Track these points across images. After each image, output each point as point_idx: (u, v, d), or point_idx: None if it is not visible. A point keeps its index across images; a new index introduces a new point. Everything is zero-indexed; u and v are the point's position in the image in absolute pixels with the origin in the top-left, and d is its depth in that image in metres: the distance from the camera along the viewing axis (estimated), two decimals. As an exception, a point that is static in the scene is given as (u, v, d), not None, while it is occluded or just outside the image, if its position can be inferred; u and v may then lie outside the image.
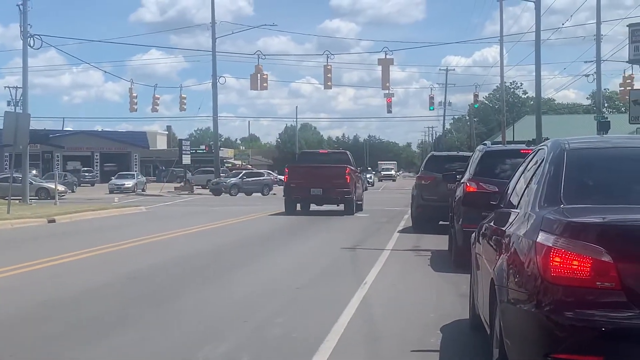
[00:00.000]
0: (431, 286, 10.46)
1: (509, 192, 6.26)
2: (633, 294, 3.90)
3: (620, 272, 3.91)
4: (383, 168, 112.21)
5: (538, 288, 4.08)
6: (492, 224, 5.99)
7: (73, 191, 52.47)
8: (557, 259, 4.02)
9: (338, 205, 27.74)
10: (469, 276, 7.73)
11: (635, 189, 4.82)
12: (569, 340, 3.92)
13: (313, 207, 28.56)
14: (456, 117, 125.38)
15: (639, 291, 3.89)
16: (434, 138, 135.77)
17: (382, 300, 9.37)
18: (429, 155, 24.07)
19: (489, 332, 5.44)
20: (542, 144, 5.87)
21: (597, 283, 3.93)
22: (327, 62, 43.94)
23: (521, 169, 6.24)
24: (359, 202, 28.72)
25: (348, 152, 30.59)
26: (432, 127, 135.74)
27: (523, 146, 12.95)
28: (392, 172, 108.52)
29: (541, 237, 4.18)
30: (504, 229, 5.21)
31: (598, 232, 4.02)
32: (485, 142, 15.24)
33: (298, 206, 27.92)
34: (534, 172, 5.34)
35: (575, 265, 3.97)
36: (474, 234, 7.24)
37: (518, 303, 4.29)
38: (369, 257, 13.65)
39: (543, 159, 5.26)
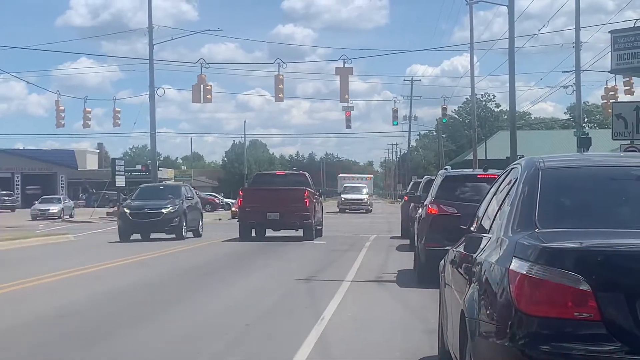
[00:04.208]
0: (396, 321, 10.54)
1: (479, 215, 6.37)
2: (613, 326, 3.99)
3: (599, 302, 4.00)
4: (346, 188, 70.45)
5: (512, 320, 4.16)
6: (461, 250, 6.08)
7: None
8: (532, 288, 4.12)
9: (296, 231, 28.15)
10: (437, 310, 7.81)
11: (616, 211, 4.92)
12: None
13: (269, 232, 28.98)
14: (423, 132, 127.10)
15: (619, 322, 3.99)
16: (399, 156, 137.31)
17: (341, 337, 9.42)
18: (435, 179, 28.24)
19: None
20: (515, 163, 5.99)
21: (575, 314, 4.02)
22: (279, 71, 43.99)
23: (493, 190, 6.35)
24: (318, 227, 29.32)
25: (307, 174, 31.28)
26: (396, 144, 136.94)
27: (481, 171, 14.91)
28: (364, 194, 67.17)
29: (514, 265, 4.27)
30: (474, 255, 5.30)
31: (576, 258, 4.11)
32: (446, 167, 18.99)
33: (253, 232, 28.47)
34: (507, 194, 5.44)
35: (552, 294, 4.07)
36: (442, 261, 7.37)
37: (490, 336, 4.38)
38: (328, 289, 13.71)
39: (516, 179, 5.35)
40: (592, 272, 4.04)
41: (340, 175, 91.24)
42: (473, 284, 5.00)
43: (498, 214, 5.40)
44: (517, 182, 5.27)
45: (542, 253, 4.18)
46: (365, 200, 65.46)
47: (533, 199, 4.91)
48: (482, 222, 6.07)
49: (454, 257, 6.37)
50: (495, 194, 6.11)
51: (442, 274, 7.17)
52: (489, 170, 13.42)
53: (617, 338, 3.98)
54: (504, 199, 5.45)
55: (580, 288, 4.02)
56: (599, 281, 4.03)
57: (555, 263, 4.10)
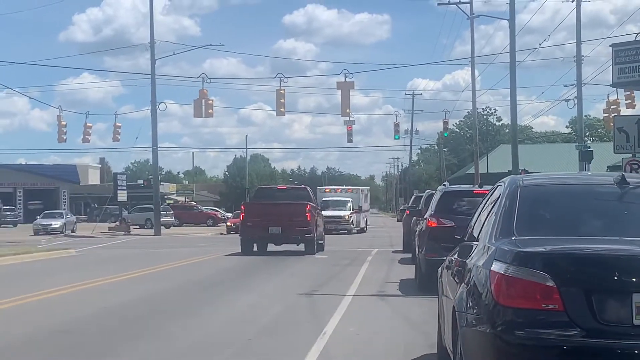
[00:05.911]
0: (398, 336, 10.56)
1: (472, 225, 7.20)
2: (574, 315, 4.93)
3: (562, 296, 4.95)
4: (326, 202, 50.11)
5: (492, 311, 5.10)
6: (455, 256, 6.88)
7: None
8: (508, 285, 5.05)
9: (298, 245, 28.19)
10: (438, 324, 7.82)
11: (581, 222, 5.91)
12: (520, 358, 4.93)
13: (271, 247, 29.01)
14: (424, 146, 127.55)
15: (579, 312, 4.92)
16: (400, 170, 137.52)
17: (343, 352, 9.45)
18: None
19: (452, 359, 6.26)
20: (500, 181, 6.96)
21: (543, 305, 4.95)
22: (280, 85, 44.06)
23: (483, 203, 7.26)
24: (320, 242, 29.35)
25: (308, 188, 31.27)
26: (398, 158, 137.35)
27: (477, 187, 16.61)
28: (346, 209, 51.48)
29: (495, 266, 5.23)
30: (465, 260, 6.16)
31: (543, 260, 5.08)
32: (444, 182, 21.07)
33: (255, 246, 28.43)
34: (492, 207, 6.42)
35: (524, 289, 5.00)
36: (439, 268, 8.06)
37: (475, 325, 5.31)
38: (329, 303, 13.71)
39: (500, 195, 6.35)
40: (557, 271, 4.99)
41: (319, 187, 63.79)
42: (463, 284, 5.90)
43: (485, 224, 6.32)
44: (500, 197, 6.26)
45: (516, 256, 5.14)
46: (346, 217, 50.20)
47: (512, 211, 5.90)
48: (472, 232, 6.94)
49: (449, 263, 7.23)
50: (484, 207, 7.02)
51: (440, 279, 7.94)
52: (484, 186, 14.71)
53: (577, 325, 4.91)
54: (491, 211, 6.39)
55: (547, 284, 4.96)
56: (562, 279, 4.97)
57: (527, 264, 5.06)
